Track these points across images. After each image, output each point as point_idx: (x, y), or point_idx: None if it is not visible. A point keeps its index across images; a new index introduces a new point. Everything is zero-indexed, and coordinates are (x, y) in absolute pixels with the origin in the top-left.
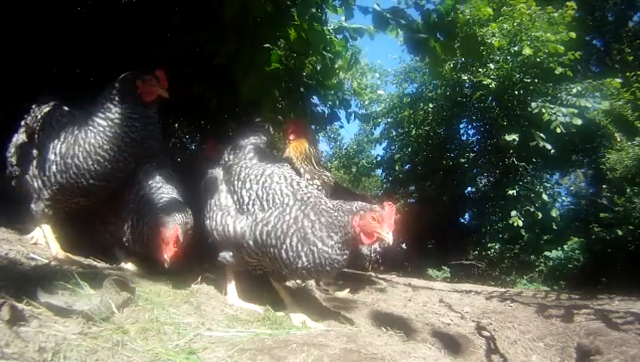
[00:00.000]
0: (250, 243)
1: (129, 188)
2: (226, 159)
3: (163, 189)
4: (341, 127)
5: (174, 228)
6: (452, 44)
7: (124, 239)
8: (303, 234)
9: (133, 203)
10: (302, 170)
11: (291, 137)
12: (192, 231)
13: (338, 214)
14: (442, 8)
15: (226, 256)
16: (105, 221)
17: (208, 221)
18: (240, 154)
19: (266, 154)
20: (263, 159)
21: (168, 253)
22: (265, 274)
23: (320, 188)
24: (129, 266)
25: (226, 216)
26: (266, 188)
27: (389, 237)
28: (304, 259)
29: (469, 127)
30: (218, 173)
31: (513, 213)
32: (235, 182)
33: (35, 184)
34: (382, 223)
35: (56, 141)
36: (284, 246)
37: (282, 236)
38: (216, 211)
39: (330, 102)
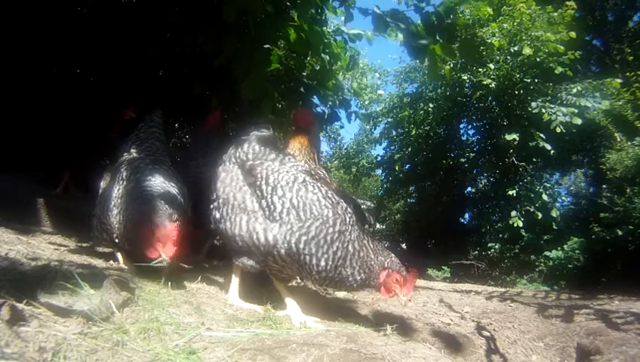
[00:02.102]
0: (282, 251)
1: (118, 183)
2: (244, 158)
3: (151, 182)
4: (341, 127)
5: (172, 225)
6: (451, 47)
7: (115, 236)
8: (344, 254)
9: (121, 197)
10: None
11: (300, 125)
12: (182, 222)
13: (374, 259)
14: (442, 10)
15: (247, 261)
16: (101, 219)
17: (229, 224)
18: (260, 154)
19: (286, 157)
20: (284, 162)
21: (167, 253)
22: (265, 274)
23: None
24: (129, 266)
25: (253, 221)
26: (302, 198)
27: (404, 300)
28: (335, 273)
29: (469, 127)
30: (236, 172)
31: (513, 213)
32: (264, 187)
33: None
34: (402, 287)
35: None
36: (325, 256)
37: (326, 246)
38: (240, 215)
39: (330, 103)
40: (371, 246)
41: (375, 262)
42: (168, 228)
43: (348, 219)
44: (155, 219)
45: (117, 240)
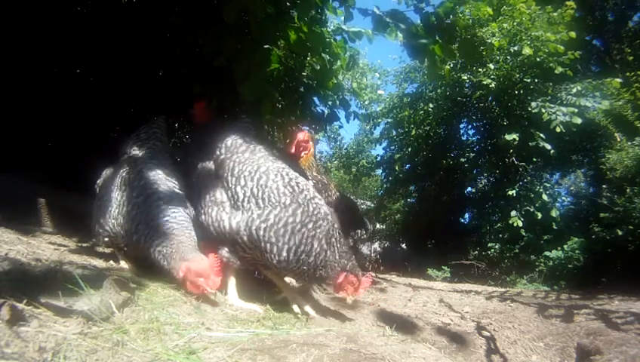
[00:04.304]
0: (245, 238)
1: (122, 189)
2: (218, 153)
3: (163, 196)
4: (341, 127)
5: (207, 260)
6: (451, 47)
7: (123, 244)
8: (308, 250)
9: (128, 206)
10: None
11: (303, 151)
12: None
13: (338, 261)
14: (441, 11)
15: (223, 252)
16: (104, 227)
17: (204, 216)
18: (232, 148)
19: (257, 148)
20: (255, 153)
21: (212, 287)
22: (264, 273)
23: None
24: (129, 266)
25: (221, 211)
26: (261, 186)
27: (350, 300)
28: (297, 266)
29: (469, 127)
30: (211, 167)
31: (513, 213)
32: (229, 178)
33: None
34: (354, 289)
35: None
36: (287, 247)
37: (287, 236)
38: (212, 206)
39: (330, 103)
40: (338, 246)
41: (338, 263)
42: (203, 263)
43: (312, 210)
44: (187, 257)
45: (125, 249)
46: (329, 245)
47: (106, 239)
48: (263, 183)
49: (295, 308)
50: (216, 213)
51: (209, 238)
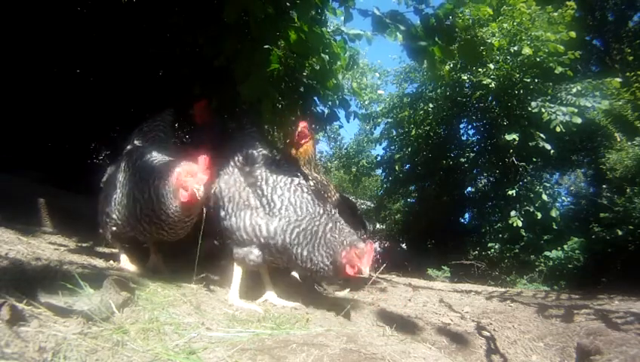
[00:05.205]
0: (279, 242)
1: (124, 172)
2: (242, 161)
3: (157, 156)
4: (341, 127)
5: (195, 160)
6: (450, 48)
7: (129, 228)
8: (314, 239)
9: (126, 186)
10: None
11: (303, 139)
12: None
13: (337, 239)
14: (441, 12)
15: (248, 254)
16: (108, 213)
17: (235, 219)
18: (257, 158)
19: (279, 161)
20: (280, 166)
21: (199, 183)
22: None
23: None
24: (129, 266)
25: (255, 216)
26: (298, 197)
27: (366, 273)
28: (310, 262)
29: (469, 127)
30: (237, 173)
31: (513, 213)
32: (264, 187)
33: None
34: (361, 260)
35: None
36: (308, 247)
37: (310, 236)
38: (245, 210)
39: (330, 103)
40: (337, 231)
41: (337, 242)
42: (192, 164)
43: (333, 214)
44: (176, 166)
45: (130, 232)
46: (331, 231)
47: (114, 228)
48: (299, 194)
49: (275, 302)
50: (249, 217)
51: (235, 242)
